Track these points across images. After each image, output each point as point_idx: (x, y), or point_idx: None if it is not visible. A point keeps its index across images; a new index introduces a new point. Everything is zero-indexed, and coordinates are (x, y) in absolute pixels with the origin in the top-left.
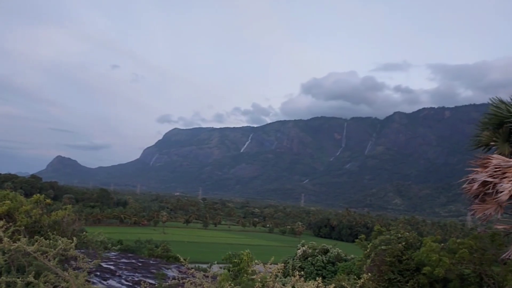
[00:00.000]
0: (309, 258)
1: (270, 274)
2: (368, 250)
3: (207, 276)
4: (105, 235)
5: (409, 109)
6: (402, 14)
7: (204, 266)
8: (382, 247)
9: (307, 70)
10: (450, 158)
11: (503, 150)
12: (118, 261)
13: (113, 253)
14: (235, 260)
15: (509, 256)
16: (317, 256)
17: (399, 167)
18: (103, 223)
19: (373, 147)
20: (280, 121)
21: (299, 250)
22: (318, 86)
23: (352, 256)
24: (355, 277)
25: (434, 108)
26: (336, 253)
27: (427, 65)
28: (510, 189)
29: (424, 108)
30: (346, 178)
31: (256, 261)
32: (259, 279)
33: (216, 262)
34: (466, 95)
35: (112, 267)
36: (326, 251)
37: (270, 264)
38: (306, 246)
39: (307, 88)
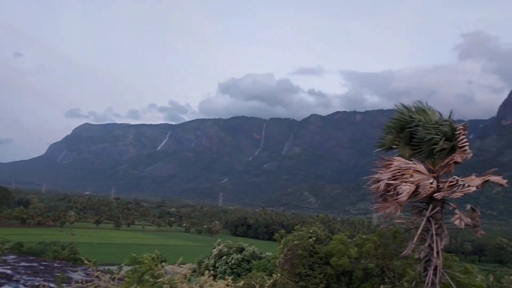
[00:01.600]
0: (224, 257)
1: (178, 275)
2: (281, 246)
3: (114, 279)
4: (2, 237)
5: (324, 112)
6: (319, 22)
7: (115, 268)
8: (295, 242)
9: (225, 70)
10: (360, 160)
11: (403, 152)
12: (17, 264)
13: (11, 256)
14: (139, 263)
15: (409, 252)
16: (233, 254)
17: (314, 168)
18: (2, 224)
19: (291, 147)
20: (200, 119)
21: (214, 249)
22: (235, 86)
23: (268, 253)
24: (269, 273)
25: (347, 112)
26: (252, 251)
27: (340, 71)
28: (408, 190)
29: (338, 112)
30: (264, 178)
31: (164, 263)
32: (166, 281)
33: (124, 264)
34: (373, 100)
35: (8, 272)
36: (241, 250)
37: (179, 264)
38: (221, 245)
39: (224, 88)
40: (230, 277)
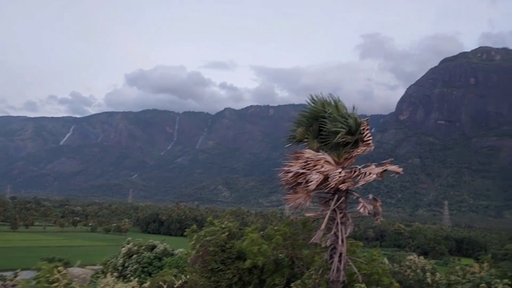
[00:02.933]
0: (134, 256)
1: (77, 279)
2: (193, 242)
3: (6, 286)
4: None
5: (237, 105)
6: (231, 16)
7: (9, 274)
8: (207, 238)
9: (133, 61)
10: (272, 153)
11: (312, 145)
12: None
13: None
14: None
15: (316, 240)
16: (143, 253)
17: (228, 161)
18: None
19: (205, 141)
20: (108, 112)
21: (123, 248)
22: (144, 78)
23: (181, 250)
24: (181, 270)
25: (260, 106)
26: (163, 248)
27: (251, 66)
28: (317, 179)
29: (251, 106)
30: (177, 172)
31: (60, 267)
32: (62, 287)
33: (20, 269)
34: (283, 95)
35: None
36: (153, 247)
37: (81, 266)
38: (131, 244)
39: (132, 79)
40: (136, 278)
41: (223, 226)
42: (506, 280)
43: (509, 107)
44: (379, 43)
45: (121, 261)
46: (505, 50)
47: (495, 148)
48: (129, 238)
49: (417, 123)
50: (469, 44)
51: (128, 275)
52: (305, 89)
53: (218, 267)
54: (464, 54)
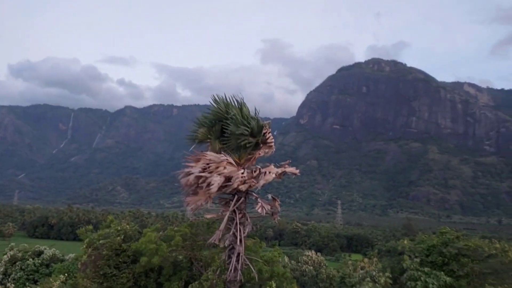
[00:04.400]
0: (18, 263)
1: None
2: (85, 246)
3: None
4: None
5: (137, 103)
6: (132, 9)
7: None
8: (101, 241)
9: (18, 50)
10: (176, 153)
11: (214, 146)
12: None
13: None
14: None
15: (215, 240)
16: (28, 259)
17: (128, 161)
18: None
19: (103, 140)
20: None
21: (5, 255)
22: (32, 69)
23: (72, 255)
24: (71, 276)
25: (163, 105)
26: (52, 254)
27: (152, 63)
28: (219, 182)
29: (154, 105)
30: (72, 172)
31: None
32: None
33: None
34: (185, 95)
35: None
36: (39, 253)
37: None
38: (15, 250)
39: (16, 71)
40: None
41: (119, 228)
42: (387, 274)
43: (395, 114)
44: (279, 49)
45: (1, 269)
46: (393, 62)
47: (382, 151)
48: (13, 244)
49: (315, 127)
50: (360, 54)
51: (8, 285)
52: (208, 90)
53: (111, 272)
54: (358, 64)
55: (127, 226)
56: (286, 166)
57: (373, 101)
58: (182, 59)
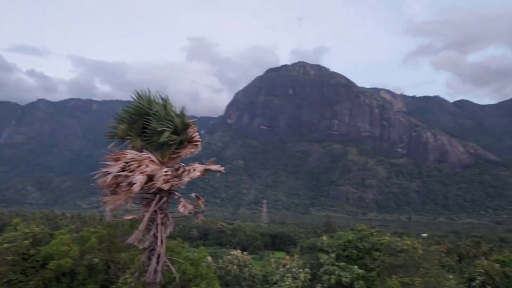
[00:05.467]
0: None
1: None
2: None
3: None
4: None
5: (50, 97)
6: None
7: None
8: (5, 245)
9: None
10: (95, 150)
11: (136, 143)
12: None
13: None
14: None
15: (134, 241)
16: None
17: (42, 158)
18: None
19: (12, 135)
20: None
21: None
22: None
23: None
24: None
25: (82, 99)
26: None
27: (68, 55)
28: (141, 181)
29: (71, 99)
30: None
31: None
32: None
33: None
34: (105, 90)
35: None
36: None
37: None
38: None
39: None
40: None
41: (27, 231)
42: (307, 269)
43: (319, 117)
44: (205, 47)
45: None
46: (318, 66)
47: (306, 152)
48: None
49: (243, 127)
50: (284, 57)
51: None
52: (130, 85)
53: (17, 278)
54: (285, 67)
55: (36, 228)
56: (211, 163)
57: (299, 103)
58: (101, 52)
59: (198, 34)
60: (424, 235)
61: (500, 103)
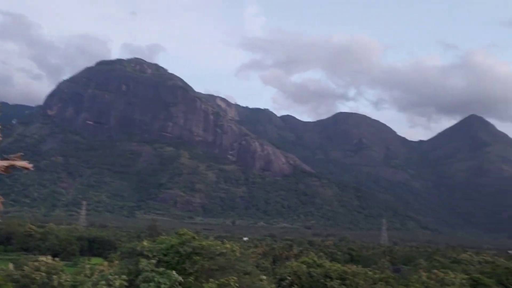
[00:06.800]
0: None
1: None
2: None
3: None
4: None
5: None
6: None
7: None
8: None
9: None
10: None
11: None
12: None
13: None
14: None
15: None
16: None
17: None
18: None
19: None
20: None
21: None
22: None
23: None
24: None
25: None
26: None
27: None
28: None
29: None
30: None
31: None
32: None
33: None
34: None
35: None
36: None
37: None
38: None
39: None
40: None
41: None
42: (124, 276)
43: (152, 117)
44: (23, 26)
45: None
46: (156, 66)
47: (136, 152)
48: None
49: (66, 121)
50: (116, 50)
51: None
52: None
53: None
54: (120, 61)
55: None
56: (17, 159)
57: (132, 101)
58: None
59: (17, 10)
60: (245, 238)
61: (318, 121)
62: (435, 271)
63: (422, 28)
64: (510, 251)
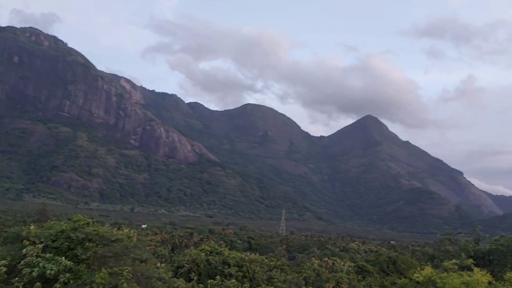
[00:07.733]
0: None
1: None
2: None
3: None
4: None
5: None
6: None
7: None
8: None
9: None
10: None
11: None
12: None
13: None
14: None
15: None
16: None
17: None
18: None
19: None
20: None
21: None
22: None
23: None
24: None
25: None
26: None
27: None
28: None
29: None
30: None
31: None
32: None
33: None
34: None
35: None
36: None
37: None
38: None
39: None
40: None
41: None
42: (4, 261)
43: (48, 94)
44: None
45: None
46: (54, 38)
47: (28, 131)
48: None
49: None
50: (5, 17)
51: None
52: None
53: None
54: (12, 29)
55: None
56: None
57: (25, 75)
58: None
59: None
60: (144, 226)
61: (226, 110)
62: (326, 259)
63: (326, 29)
64: (392, 242)
